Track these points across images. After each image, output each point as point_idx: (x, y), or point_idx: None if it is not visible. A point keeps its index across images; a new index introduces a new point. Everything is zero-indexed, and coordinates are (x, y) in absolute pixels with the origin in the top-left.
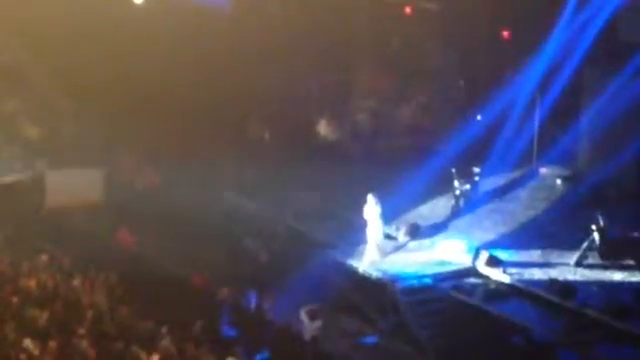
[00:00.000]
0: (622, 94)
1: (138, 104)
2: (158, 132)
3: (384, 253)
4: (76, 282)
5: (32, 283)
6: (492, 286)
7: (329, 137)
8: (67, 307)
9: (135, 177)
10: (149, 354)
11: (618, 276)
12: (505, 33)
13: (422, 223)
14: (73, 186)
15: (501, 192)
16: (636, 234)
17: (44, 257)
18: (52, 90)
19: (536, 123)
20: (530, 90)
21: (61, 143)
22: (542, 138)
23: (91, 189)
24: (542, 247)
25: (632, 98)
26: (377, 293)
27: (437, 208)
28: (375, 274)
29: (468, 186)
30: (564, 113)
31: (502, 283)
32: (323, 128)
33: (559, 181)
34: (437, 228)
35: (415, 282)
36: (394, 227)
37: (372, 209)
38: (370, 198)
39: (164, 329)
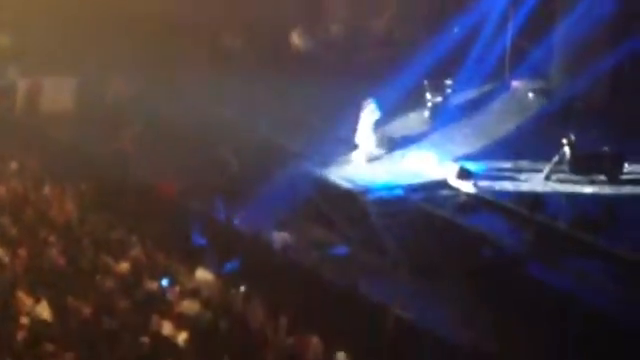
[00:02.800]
0: (595, 8)
1: (110, 14)
2: (130, 43)
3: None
4: (46, 190)
5: (2, 190)
6: (463, 198)
7: (302, 47)
8: (37, 215)
9: (106, 87)
10: (119, 262)
11: (588, 190)
12: None
13: (394, 135)
14: (44, 94)
15: (473, 105)
16: (606, 149)
17: (14, 164)
18: None
19: (509, 36)
20: (504, 2)
21: (32, 52)
22: (515, 51)
23: (62, 98)
24: (513, 160)
25: (605, 13)
26: (347, 204)
27: (409, 120)
28: (345, 185)
29: (440, 99)
30: (537, 26)
31: (473, 195)
32: (296, 38)
33: (531, 94)
34: (409, 140)
35: (386, 193)
36: None
37: (369, 115)
38: (368, 104)
39: (134, 238)
